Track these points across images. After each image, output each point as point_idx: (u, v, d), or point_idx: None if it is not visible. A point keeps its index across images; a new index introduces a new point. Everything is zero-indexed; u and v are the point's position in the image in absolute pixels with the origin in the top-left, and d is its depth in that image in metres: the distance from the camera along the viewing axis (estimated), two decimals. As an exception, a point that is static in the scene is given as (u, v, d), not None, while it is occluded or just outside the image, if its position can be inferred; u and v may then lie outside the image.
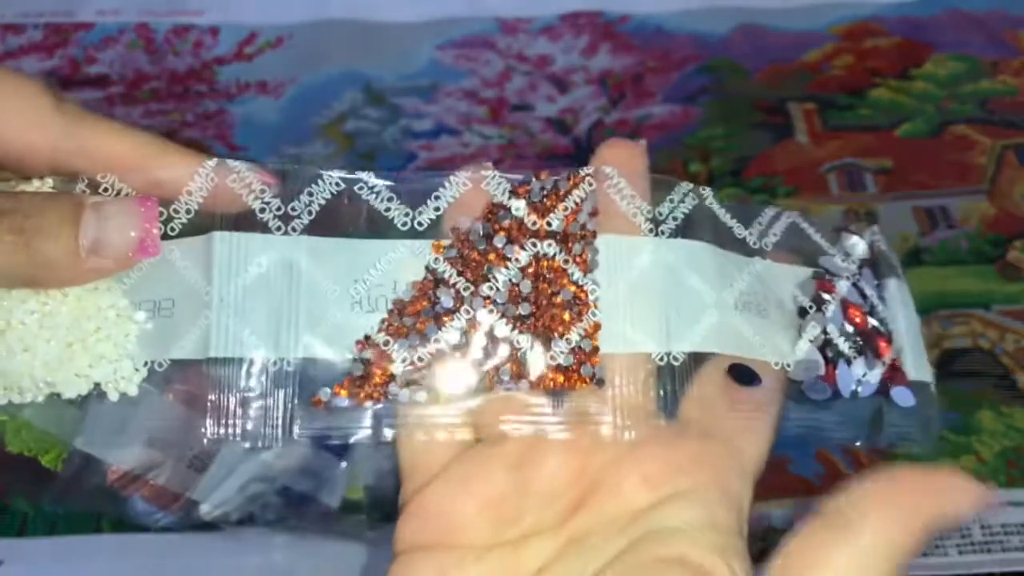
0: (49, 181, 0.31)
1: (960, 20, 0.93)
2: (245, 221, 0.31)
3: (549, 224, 0.31)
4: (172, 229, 0.31)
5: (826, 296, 0.34)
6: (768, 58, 0.90)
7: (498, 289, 0.30)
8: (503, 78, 0.89)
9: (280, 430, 0.30)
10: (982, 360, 0.69)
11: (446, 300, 0.30)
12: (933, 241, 0.76)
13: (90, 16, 0.95)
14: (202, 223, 0.31)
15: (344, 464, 0.61)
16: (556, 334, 0.30)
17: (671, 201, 0.33)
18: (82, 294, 0.30)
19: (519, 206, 0.32)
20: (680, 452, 0.32)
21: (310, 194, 0.31)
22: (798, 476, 0.64)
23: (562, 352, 0.30)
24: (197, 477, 0.55)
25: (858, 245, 0.36)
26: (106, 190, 0.31)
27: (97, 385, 0.30)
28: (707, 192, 0.34)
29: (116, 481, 0.49)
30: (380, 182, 0.32)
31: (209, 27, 0.93)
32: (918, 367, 0.36)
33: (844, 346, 0.33)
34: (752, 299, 0.33)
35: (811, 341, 0.33)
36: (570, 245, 0.31)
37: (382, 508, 0.62)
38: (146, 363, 0.30)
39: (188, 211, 0.31)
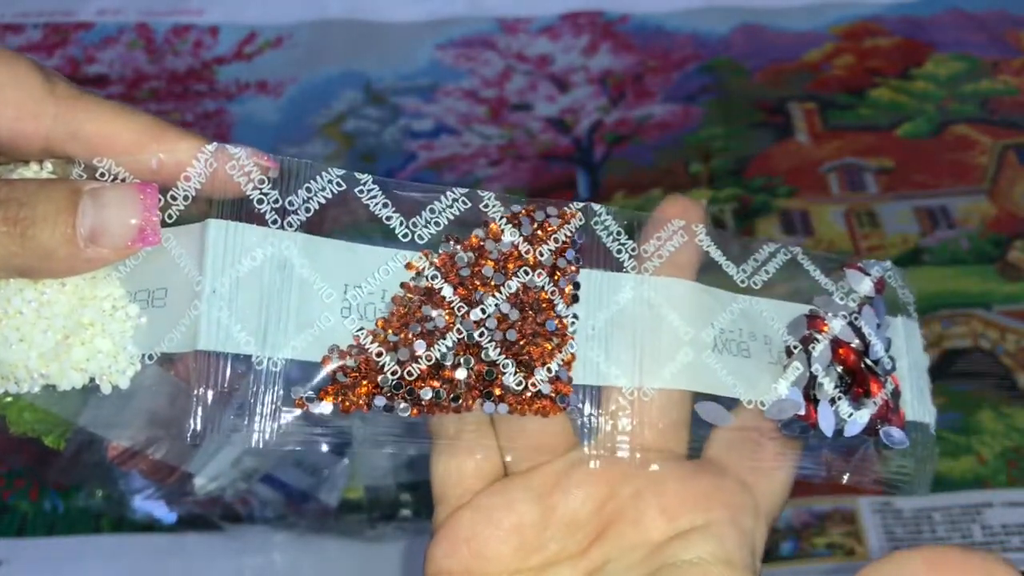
0: (48, 165, 0.31)
1: (960, 20, 0.93)
2: (242, 211, 0.30)
3: (540, 255, 0.32)
4: (169, 216, 0.30)
5: (817, 335, 0.34)
6: (769, 58, 0.90)
7: (488, 313, 0.31)
8: (503, 78, 0.89)
9: (265, 432, 0.29)
10: (982, 360, 0.69)
11: (438, 318, 0.30)
12: (934, 241, 0.76)
13: (90, 16, 0.95)
14: (199, 210, 0.30)
15: (345, 461, 0.61)
16: (538, 363, 0.31)
17: (658, 239, 0.33)
18: (80, 283, 0.30)
19: (513, 235, 0.32)
20: (698, 487, 0.33)
21: (308, 190, 0.31)
22: (798, 476, 0.64)
23: (543, 380, 0.31)
24: (193, 451, 0.56)
25: (862, 282, 0.36)
26: (103, 175, 0.30)
27: (92, 379, 0.30)
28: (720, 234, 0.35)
29: (116, 457, 0.50)
30: (377, 188, 0.31)
31: (209, 27, 0.93)
32: (919, 407, 0.36)
33: (829, 386, 0.33)
34: (734, 337, 0.34)
35: (793, 381, 0.33)
36: (556, 277, 0.32)
37: (382, 508, 0.62)
38: (141, 357, 0.30)
39: (186, 198, 0.30)
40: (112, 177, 0.30)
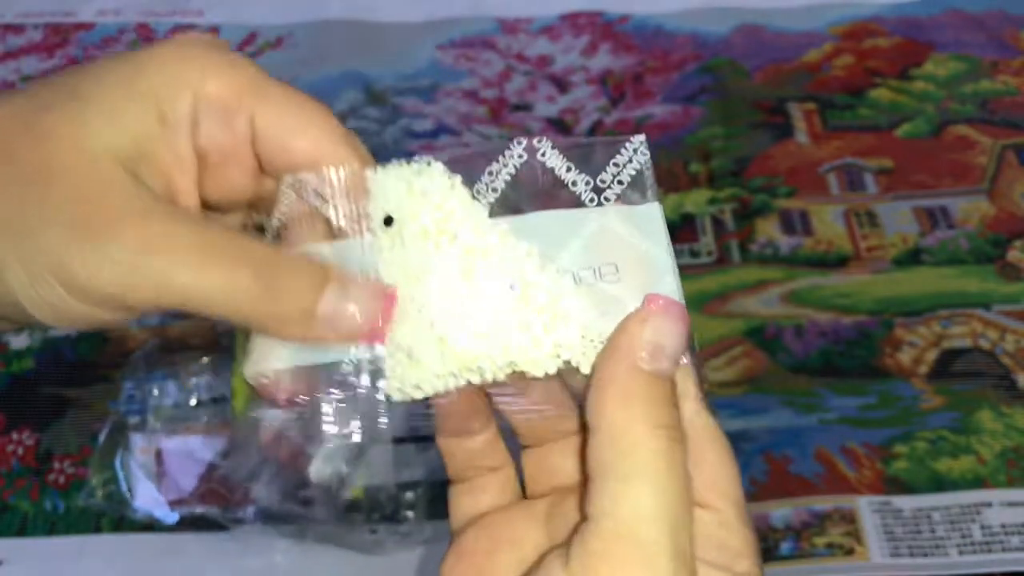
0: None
1: (960, 20, 0.93)
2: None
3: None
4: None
5: None
6: (768, 58, 0.90)
7: None
8: (503, 78, 0.89)
9: None
10: (982, 360, 0.69)
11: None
12: (933, 241, 0.76)
13: (90, 16, 0.95)
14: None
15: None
16: None
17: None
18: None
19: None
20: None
21: (616, 165, 0.32)
22: (798, 476, 0.64)
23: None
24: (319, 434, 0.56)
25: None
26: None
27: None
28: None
29: (269, 443, 0.50)
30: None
31: (209, 27, 0.93)
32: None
33: None
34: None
35: None
36: None
37: (382, 508, 0.62)
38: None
39: (494, 189, 0.31)
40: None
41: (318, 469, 0.59)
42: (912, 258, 0.75)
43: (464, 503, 0.34)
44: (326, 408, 0.31)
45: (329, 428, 0.32)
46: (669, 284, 0.30)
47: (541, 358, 0.30)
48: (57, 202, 0.29)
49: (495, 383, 0.31)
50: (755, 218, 0.78)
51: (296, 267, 0.30)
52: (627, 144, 0.32)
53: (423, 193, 0.31)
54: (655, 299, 0.29)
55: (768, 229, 0.77)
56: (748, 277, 0.75)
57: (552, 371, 0.30)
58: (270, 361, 0.32)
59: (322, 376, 0.31)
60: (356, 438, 0.32)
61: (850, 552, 0.60)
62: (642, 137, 0.32)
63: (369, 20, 0.93)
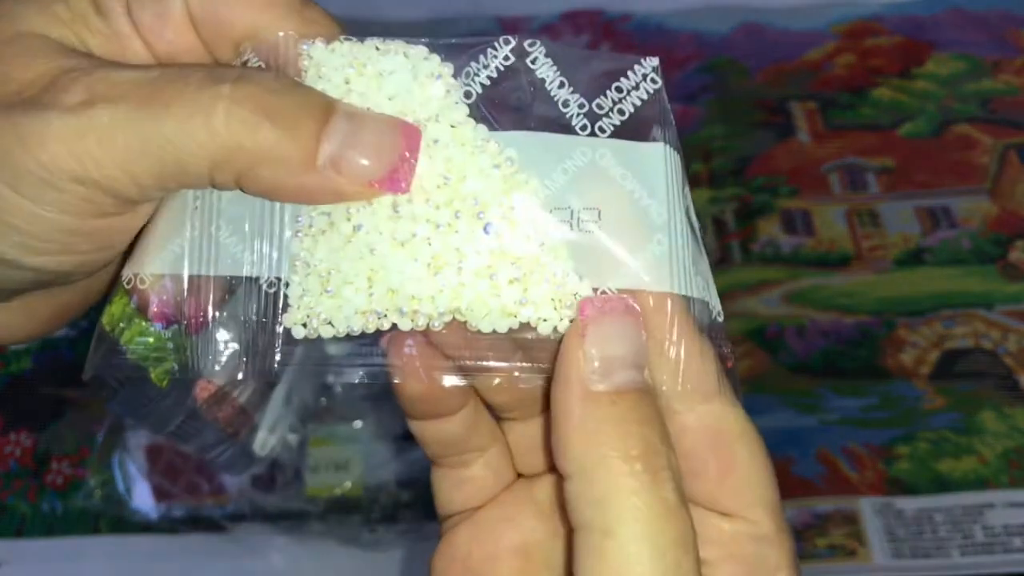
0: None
1: (961, 19, 0.92)
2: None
3: None
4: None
5: None
6: (770, 57, 0.90)
7: None
8: (503, 77, 0.89)
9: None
10: (984, 360, 0.69)
11: None
12: (935, 241, 0.76)
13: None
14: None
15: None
16: None
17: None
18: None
19: None
20: None
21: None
22: (799, 477, 0.64)
23: None
24: (266, 398, 0.55)
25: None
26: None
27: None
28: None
29: (206, 400, 0.48)
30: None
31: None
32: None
33: None
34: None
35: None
36: None
37: (381, 508, 0.62)
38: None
39: (467, 93, 0.26)
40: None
41: (263, 441, 0.58)
42: (914, 258, 0.74)
43: (450, 490, 0.30)
44: (213, 335, 0.26)
45: (206, 361, 0.26)
46: (658, 246, 0.25)
47: (494, 312, 0.25)
48: None
49: (426, 331, 0.25)
50: (756, 218, 0.78)
51: (293, 87, 0.24)
52: (636, 67, 0.26)
53: (381, 75, 0.25)
54: (588, 304, 0.25)
55: (769, 229, 0.77)
56: (749, 277, 0.74)
57: (502, 329, 0.25)
58: (152, 261, 0.25)
59: (212, 292, 0.26)
60: (239, 377, 0.26)
61: (852, 553, 0.60)
62: (655, 61, 0.26)
63: (369, 19, 0.92)
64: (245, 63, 0.26)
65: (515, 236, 0.25)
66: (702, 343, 0.26)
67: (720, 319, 0.27)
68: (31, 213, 0.24)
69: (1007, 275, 0.74)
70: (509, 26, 0.93)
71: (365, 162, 0.24)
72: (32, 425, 0.67)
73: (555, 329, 0.25)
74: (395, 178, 0.24)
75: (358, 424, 0.63)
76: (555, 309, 0.25)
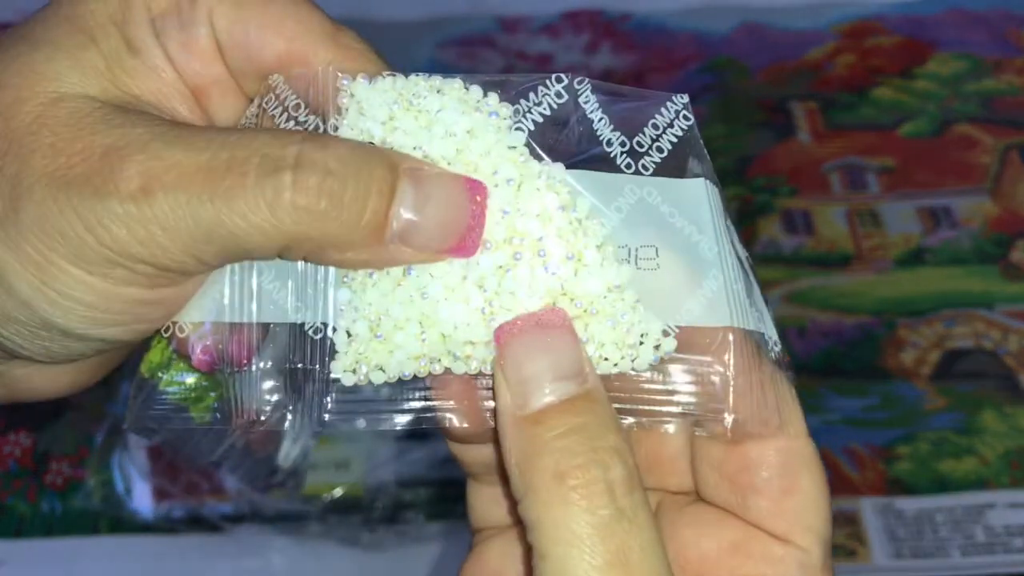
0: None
1: (962, 19, 0.92)
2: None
3: None
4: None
5: None
6: (770, 57, 0.90)
7: None
8: (504, 77, 0.89)
9: None
10: (985, 361, 0.69)
11: None
12: (936, 241, 0.76)
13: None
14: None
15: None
16: None
17: None
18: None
19: None
20: None
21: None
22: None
23: None
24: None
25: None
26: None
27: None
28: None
29: (242, 425, 0.48)
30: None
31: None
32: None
33: None
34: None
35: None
36: None
37: (382, 508, 0.62)
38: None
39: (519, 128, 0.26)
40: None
41: (287, 452, 0.58)
42: (915, 258, 0.74)
43: (486, 505, 0.30)
44: (256, 380, 0.25)
45: (250, 410, 0.25)
46: (714, 281, 0.25)
47: None
48: (26, 160, 0.23)
49: (479, 375, 0.25)
50: (757, 218, 0.78)
51: (350, 159, 0.23)
52: (668, 104, 0.26)
53: (429, 112, 0.25)
54: (499, 331, 0.24)
55: (770, 229, 0.77)
56: (750, 277, 0.74)
57: None
58: (190, 310, 0.25)
59: (253, 338, 0.25)
60: (286, 426, 0.25)
61: (852, 554, 0.60)
62: (685, 98, 0.26)
63: (369, 19, 0.92)
64: (279, 97, 0.25)
65: (579, 276, 0.24)
66: (763, 374, 0.25)
67: (777, 348, 0.27)
68: (101, 289, 0.23)
69: (1008, 275, 0.74)
70: (509, 26, 0.93)
71: (434, 234, 0.23)
72: (31, 425, 0.67)
73: (615, 366, 0.25)
74: (463, 246, 0.24)
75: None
76: (618, 348, 0.25)
